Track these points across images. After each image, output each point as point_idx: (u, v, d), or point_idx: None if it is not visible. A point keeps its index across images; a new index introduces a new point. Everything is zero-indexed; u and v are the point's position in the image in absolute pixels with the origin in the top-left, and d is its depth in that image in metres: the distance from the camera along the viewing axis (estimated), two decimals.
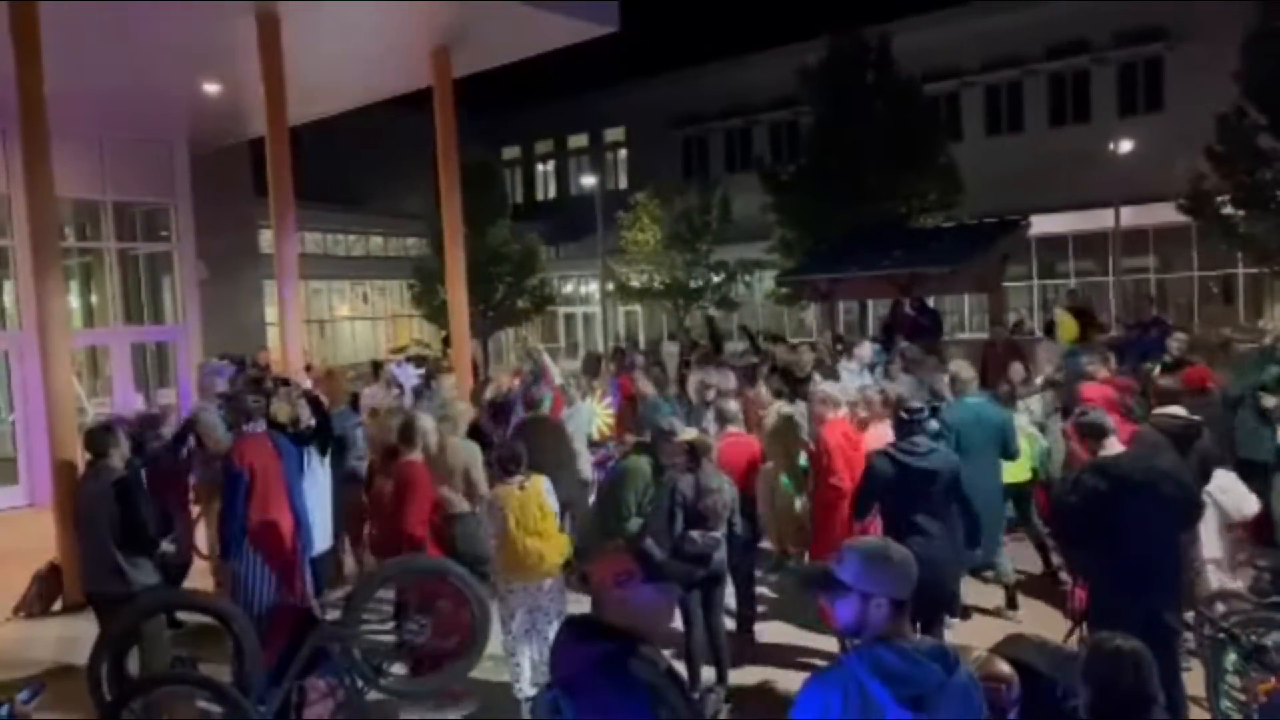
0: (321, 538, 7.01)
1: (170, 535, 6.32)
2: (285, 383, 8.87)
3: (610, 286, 28.59)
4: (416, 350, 17.01)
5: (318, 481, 7.01)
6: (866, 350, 11.19)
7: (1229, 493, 6.08)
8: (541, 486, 5.86)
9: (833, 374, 10.21)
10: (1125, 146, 22.71)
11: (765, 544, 8.67)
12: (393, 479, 6.33)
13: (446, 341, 14.56)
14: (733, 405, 7.39)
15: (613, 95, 33.06)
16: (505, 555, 5.80)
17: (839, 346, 12.62)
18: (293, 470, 6.54)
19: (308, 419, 7.13)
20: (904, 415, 5.57)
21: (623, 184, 33.93)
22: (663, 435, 6.28)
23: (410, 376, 9.31)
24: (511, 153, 37.73)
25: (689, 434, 6.26)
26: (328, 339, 29.85)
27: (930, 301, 16.53)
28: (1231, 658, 4.82)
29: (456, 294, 12.78)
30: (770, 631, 7.12)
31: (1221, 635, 4.62)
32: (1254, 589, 5.41)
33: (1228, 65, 16.83)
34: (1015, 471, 7.62)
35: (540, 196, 38.22)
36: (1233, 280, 23.67)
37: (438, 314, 23.07)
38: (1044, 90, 26.65)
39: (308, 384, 9.49)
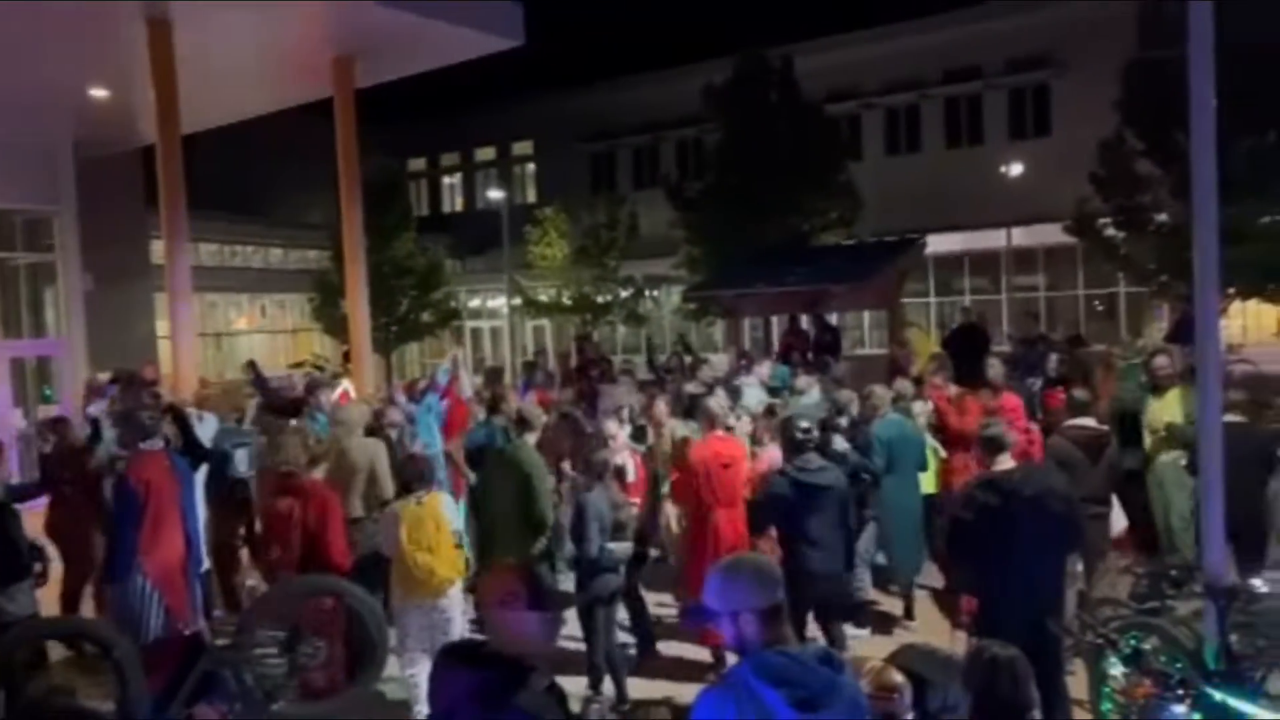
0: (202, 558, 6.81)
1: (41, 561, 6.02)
2: (156, 396, 8.60)
3: (518, 301, 28.42)
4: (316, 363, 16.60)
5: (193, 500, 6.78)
6: (765, 368, 11.37)
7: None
8: (439, 503, 5.83)
9: (734, 391, 10.34)
10: (1016, 169, 23.58)
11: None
12: (300, 499, 6.11)
13: (347, 356, 14.26)
14: (610, 424, 7.43)
15: (520, 108, 32.92)
16: (397, 570, 5.75)
17: (743, 362, 12.77)
18: (188, 490, 6.33)
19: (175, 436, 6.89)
20: (798, 435, 5.73)
21: (530, 198, 33.81)
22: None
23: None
24: (417, 164, 37.23)
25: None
26: (224, 353, 28.95)
27: (833, 318, 16.88)
28: (1112, 662, 5.01)
29: (357, 308, 12.56)
30: (672, 646, 7.15)
31: (1101, 640, 4.80)
32: (1134, 595, 5.63)
33: (1109, 93, 17.60)
34: (924, 484, 7.83)
35: (446, 209, 37.80)
36: (1115, 298, 24.75)
37: (339, 328, 22.58)
38: (940, 113, 27.50)
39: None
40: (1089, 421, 6.70)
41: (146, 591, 5.95)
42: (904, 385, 8.70)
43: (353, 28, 10.76)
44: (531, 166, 35.65)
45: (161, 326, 17.16)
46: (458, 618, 5.81)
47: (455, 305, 28.84)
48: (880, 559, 7.82)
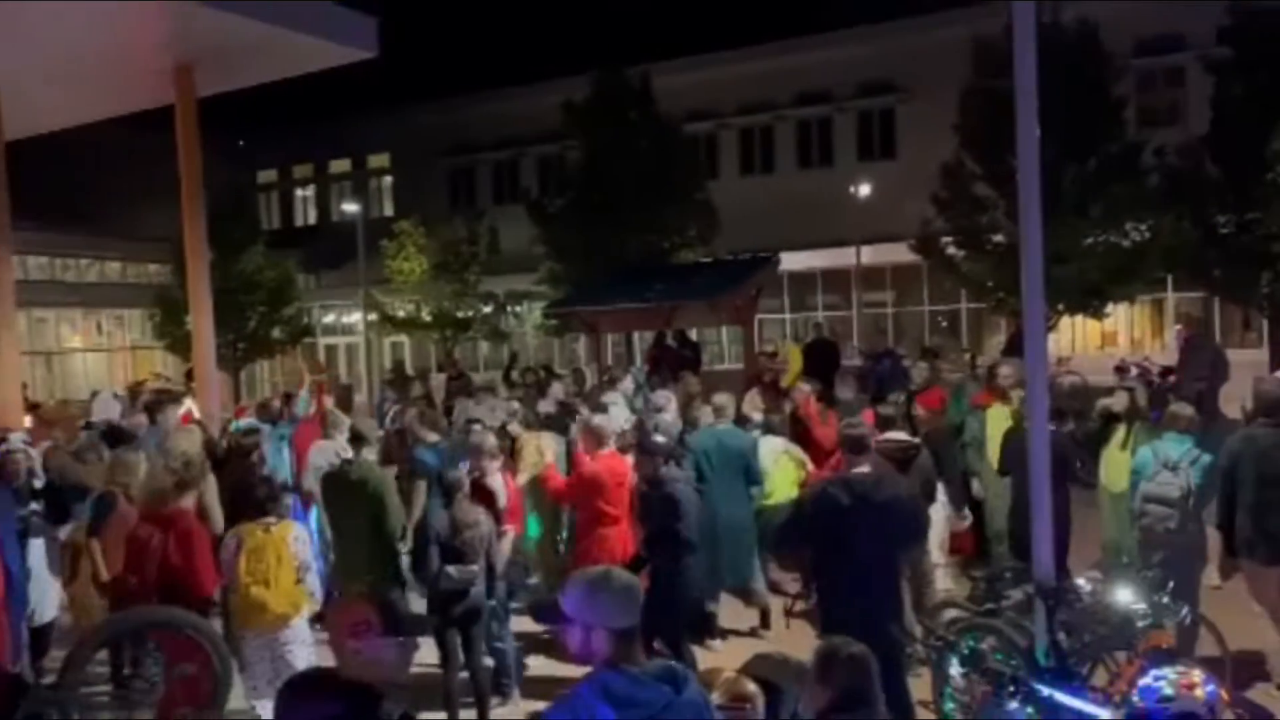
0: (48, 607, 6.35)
1: None
2: None
3: (374, 316, 27.81)
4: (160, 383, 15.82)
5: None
6: (629, 383, 11.44)
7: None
8: (289, 534, 5.58)
9: (600, 406, 10.33)
10: (864, 190, 24.54)
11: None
12: (162, 527, 5.73)
13: (190, 375, 13.61)
14: (491, 440, 7.24)
15: (377, 120, 32.27)
16: (234, 600, 5.52)
17: (605, 378, 12.81)
18: (6, 523, 5.89)
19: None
20: (663, 449, 5.81)
21: (387, 211, 33.15)
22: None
23: (110, 408, 8.66)
24: (268, 176, 36.04)
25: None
26: (56, 373, 27.27)
27: (693, 334, 17.14)
28: (953, 662, 5.23)
29: (201, 324, 11.99)
30: (538, 665, 7.07)
31: (940, 643, 5.00)
32: (972, 598, 5.89)
33: (949, 118, 18.54)
34: (782, 493, 7.94)
35: (299, 222, 36.67)
36: (958, 314, 26.01)
37: (182, 345, 21.58)
38: (793, 135, 28.39)
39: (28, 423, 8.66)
40: (898, 434, 6.97)
41: None
42: (754, 400, 8.86)
43: (190, 34, 10.27)
44: (389, 179, 34.99)
45: None
46: (300, 649, 5.59)
47: (308, 321, 28.02)
48: None
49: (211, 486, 6.70)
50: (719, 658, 6.37)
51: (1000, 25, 15.16)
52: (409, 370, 18.32)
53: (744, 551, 7.43)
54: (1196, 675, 3.39)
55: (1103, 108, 17.17)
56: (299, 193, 37.16)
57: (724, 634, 7.43)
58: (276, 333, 25.27)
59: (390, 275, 26.62)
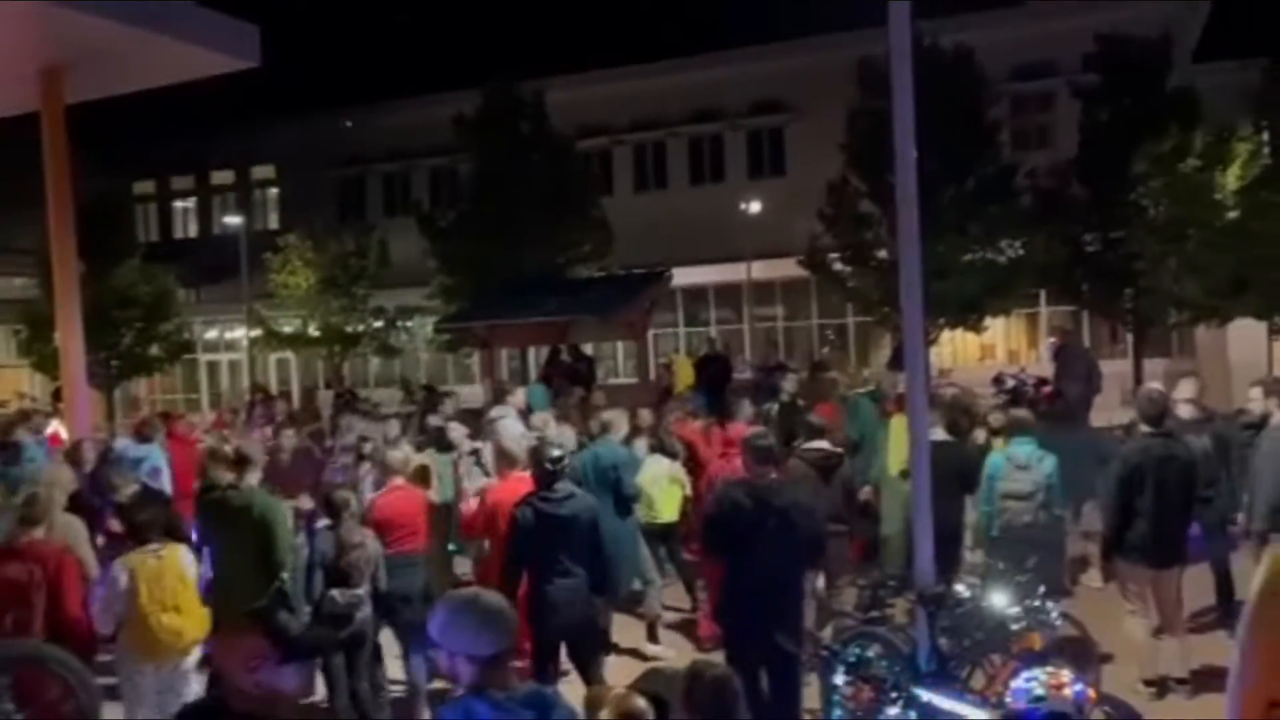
0: None
1: None
2: None
3: (259, 332, 26.97)
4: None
5: None
6: (520, 396, 11.37)
7: None
8: (180, 556, 5.37)
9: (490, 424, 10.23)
10: (755, 206, 24.98)
11: None
12: (39, 564, 5.37)
13: (57, 395, 12.96)
14: (398, 454, 7.04)
15: (262, 130, 31.30)
16: (134, 634, 5.22)
17: (496, 390, 12.73)
18: None
19: None
20: (547, 465, 5.67)
21: (273, 224, 32.20)
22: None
23: None
24: (144, 187, 34.57)
25: None
26: None
27: (587, 348, 17.15)
28: (839, 670, 5.33)
29: (71, 341, 11.43)
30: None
31: (826, 651, 5.10)
32: (858, 605, 6.02)
33: (836, 138, 19.03)
34: (665, 512, 8.01)
35: (179, 234, 35.29)
36: (846, 328, 26.64)
37: (50, 363, 20.54)
38: (685, 151, 28.71)
39: None
40: (823, 444, 7.12)
41: None
42: (643, 415, 8.93)
43: (56, 36, 9.78)
44: (274, 191, 34.01)
45: None
46: (194, 678, 5.36)
47: (188, 337, 27.02)
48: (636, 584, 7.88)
49: (82, 537, 6.32)
50: (610, 673, 6.35)
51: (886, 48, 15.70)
52: (272, 387, 17.91)
53: (620, 565, 7.39)
54: (1065, 676, 3.54)
55: (979, 131, 17.89)
56: (179, 204, 35.80)
57: (611, 649, 7.41)
58: (154, 349, 24.31)
59: (275, 289, 25.87)
